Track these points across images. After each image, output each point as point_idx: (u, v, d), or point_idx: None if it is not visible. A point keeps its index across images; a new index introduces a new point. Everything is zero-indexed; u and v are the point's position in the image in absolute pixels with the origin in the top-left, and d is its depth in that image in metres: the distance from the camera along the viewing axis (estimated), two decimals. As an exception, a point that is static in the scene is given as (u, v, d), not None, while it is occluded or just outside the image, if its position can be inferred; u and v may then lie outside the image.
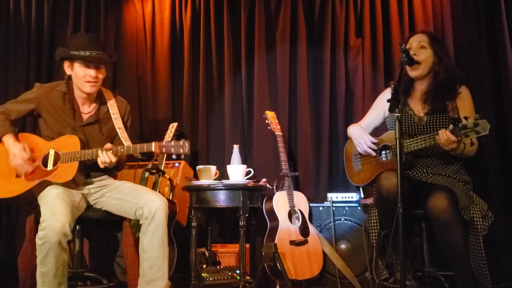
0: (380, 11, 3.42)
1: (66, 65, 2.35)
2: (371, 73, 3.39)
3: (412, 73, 2.45)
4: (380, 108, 2.67)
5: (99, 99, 2.46)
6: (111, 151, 2.19)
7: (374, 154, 2.52)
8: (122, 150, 2.20)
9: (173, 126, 3.14)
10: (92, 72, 2.30)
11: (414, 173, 2.41)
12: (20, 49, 3.43)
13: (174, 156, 2.16)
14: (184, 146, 2.14)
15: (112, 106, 2.45)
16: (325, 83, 3.42)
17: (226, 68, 3.52)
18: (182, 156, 2.16)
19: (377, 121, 2.70)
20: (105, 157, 2.18)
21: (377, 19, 3.42)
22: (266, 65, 3.51)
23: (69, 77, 2.38)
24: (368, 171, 2.57)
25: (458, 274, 2.20)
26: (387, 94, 2.65)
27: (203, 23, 3.56)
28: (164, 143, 2.16)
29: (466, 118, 2.13)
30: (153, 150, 2.14)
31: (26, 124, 3.23)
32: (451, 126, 2.17)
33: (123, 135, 2.37)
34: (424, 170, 2.41)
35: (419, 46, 2.44)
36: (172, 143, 2.15)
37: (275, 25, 3.54)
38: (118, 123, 2.41)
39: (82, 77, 2.30)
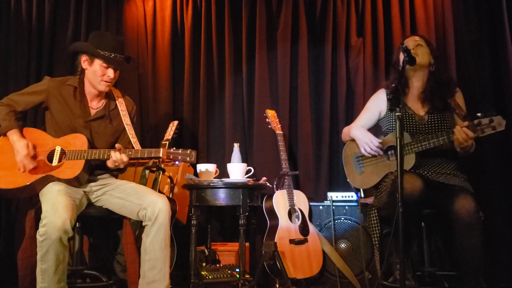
0: (382, 10, 3.43)
1: (83, 58, 2.34)
2: (372, 73, 3.40)
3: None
4: (375, 109, 2.65)
5: (108, 96, 2.47)
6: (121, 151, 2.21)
7: (381, 153, 2.49)
8: (130, 153, 2.22)
9: (173, 124, 3.12)
10: (111, 73, 2.33)
11: (424, 173, 2.38)
12: (21, 47, 3.42)
13: (177, 162, 2.17)
14: (191, 156, 2.18)
15: (120, 103, 2.47)
16: (326, 82, 3.43)
17: (227, 67, 3.52)
18: (188, 164, 2.17)
19: (371, 122, 2.68)
20: (117, 156, 2.20)
21: (379, 18, 3.43)
22: (267, 63, 3.51)
23: (82, 71, 2.38)
24: (373, 173, 2.52)
25: (470, 275, 2.17)
26: (380, 95, 2.66)
27: (204, 21, 3.56)
28: (172, 150, 2.18)
29: (478, 115, 2.17)
30: (160, 156, 2.17)
31: (26, 119, 3.22)
32: (466, 123, 2.21)
33: (130, 131, 2.39)
34: (432, 170, 2.40)
35: (415, 44, 2.48)
36: (180, 151, 2.18)
37: (276, 24, 3.54)
38: (126, 119, 2.43)
39: (100, 75, 2.32)
